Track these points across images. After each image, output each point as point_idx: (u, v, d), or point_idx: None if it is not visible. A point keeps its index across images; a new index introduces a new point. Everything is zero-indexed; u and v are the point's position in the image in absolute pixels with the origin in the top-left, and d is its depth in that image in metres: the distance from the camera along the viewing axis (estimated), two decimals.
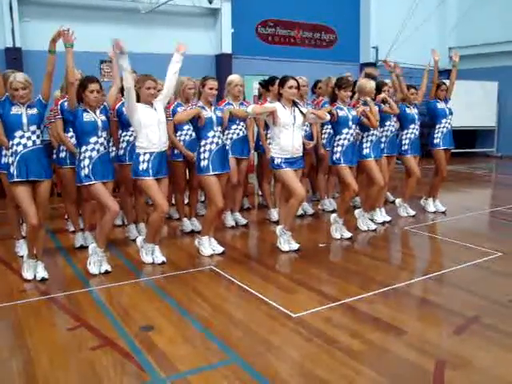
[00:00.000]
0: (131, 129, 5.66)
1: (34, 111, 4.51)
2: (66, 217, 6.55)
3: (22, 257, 5.21)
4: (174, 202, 7.05)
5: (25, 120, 4.42)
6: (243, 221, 6.55)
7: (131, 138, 5.68)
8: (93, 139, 4.64)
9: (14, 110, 4.41)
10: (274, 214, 6.75)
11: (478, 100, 13.58)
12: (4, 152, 4.85)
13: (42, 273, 4.63)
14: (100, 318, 3.79)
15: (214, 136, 5.12)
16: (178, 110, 5.87)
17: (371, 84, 6.04)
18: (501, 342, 3.38)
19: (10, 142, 4.43)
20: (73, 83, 4.63)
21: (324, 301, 4.07)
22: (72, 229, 6.01)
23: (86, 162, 4.63)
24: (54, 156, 6.30)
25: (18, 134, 4.40)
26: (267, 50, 12.64)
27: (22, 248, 5.31)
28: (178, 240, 6.01)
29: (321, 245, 5.71)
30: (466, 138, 13.91)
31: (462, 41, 15.14)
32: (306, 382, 2.93)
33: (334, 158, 5.76)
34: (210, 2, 11.26)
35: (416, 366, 3.08)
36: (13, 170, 4.37)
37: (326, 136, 7.09)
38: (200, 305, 4.05)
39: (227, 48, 11.82)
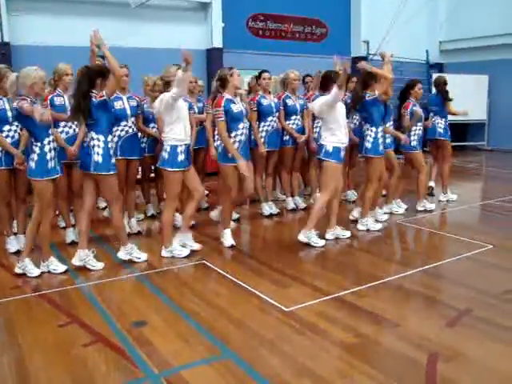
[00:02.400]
0: (122, 123, 5.64)
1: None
2: (57, 213, 6.50)
3: (13, 253, 5.18)
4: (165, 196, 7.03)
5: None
6: (235, 215, 6.53)
7: (122, 133, 5.65)
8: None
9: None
10: (266, 207, 6.75)
11: (468, 93, 13.58)
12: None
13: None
14: (92, 314, 3.77)
15: (243, 128, 5.26)
16: None
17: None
18: (493, 335, 3.40)
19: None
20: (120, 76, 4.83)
21: (317, 295, 4.07)
22: (63, 225, 5.97)
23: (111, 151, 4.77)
24: None
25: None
26: (258, 44, 12.58)
27: (12, 244, 5.27)
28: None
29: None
30: (456, 131, 13.95)
31: (452, 34, 15.16)
32: (299, 375, 2.93)
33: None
34: None
35: (409, 358, 3.09)
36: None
37: (317, 130, 7.05)
38: (192, 300, 4.04)
39: (218, 42, 11.76)
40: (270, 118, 6.49)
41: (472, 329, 3.49)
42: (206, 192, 7.77)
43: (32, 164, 4.45)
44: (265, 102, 6.48)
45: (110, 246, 5.51)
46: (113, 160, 4.74)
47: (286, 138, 6.78)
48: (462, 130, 14.84)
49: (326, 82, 5.62)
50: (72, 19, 10.09)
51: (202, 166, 6.88)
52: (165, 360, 3.10)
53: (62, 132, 5.29)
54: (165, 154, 4.95)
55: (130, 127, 5.73)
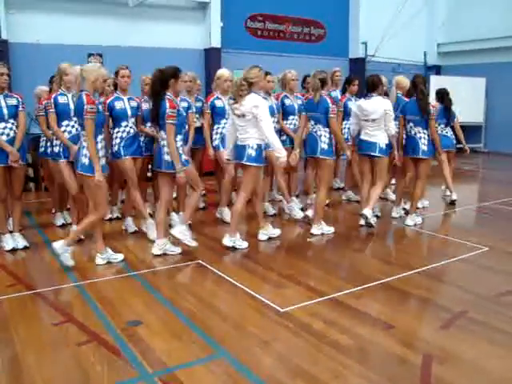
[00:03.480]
0: (123, 124, 5.63)
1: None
2: (53, 211, 6.50)
3: (8, 251, 5.17)
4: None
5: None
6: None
7: (124, 134, 5.64)
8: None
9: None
10: (269, 208, 6.77)
11: (465, 96, 13.61)
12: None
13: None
14: (87, 313, 3.76)
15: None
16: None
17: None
18: (487, 337, 3.41)
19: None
20: None
21: (312, 295, 4.07)
22: (59, 223, 5.97)
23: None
24: (42, 149, 6.27)
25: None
26: (256, 45, 12.59)
27: (7, 242, 5.25)
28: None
29: (309, 239, 5.71)
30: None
31: (450, 37, 15.21)
32: (294, 376, 2.93)
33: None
34: None
35: (403, 360, 3.10)
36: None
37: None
38: (188, 299, 4.03)
39: (216, 42, 11.77)
40: (271, 119, 6.41)
41: (467, 331, 3.50)
42: (203, 192, 7.77)
43: (85, 160, 4.53)
44: (267, 103, 6.44)
45: (106, 244, 5.49)
46: (183, 157, 4.93)
47: (283, 138, 6.77)
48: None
49: (373, 86, 5.92)
50: (70, 18, 10.10)
51: (199, 166, 6.87)
52: (159, 359, 3.09)
53: (64, 131, 5.29)
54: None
55: (130, 127, 5.72)
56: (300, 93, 7.36)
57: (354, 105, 6.27)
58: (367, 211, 5.87)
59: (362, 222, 6.06)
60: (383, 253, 5.54)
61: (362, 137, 6.03)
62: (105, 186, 4.64)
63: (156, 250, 5.09)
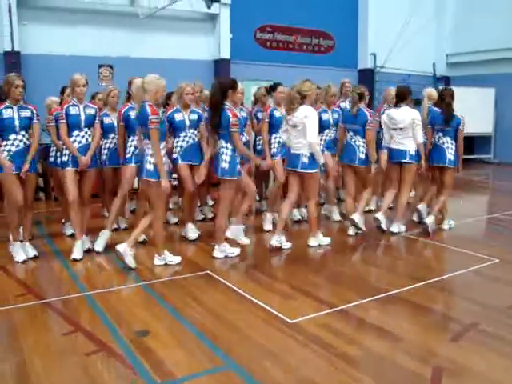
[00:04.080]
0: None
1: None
2: (63, 221, 6.53)
3: (18, 262, 5.18)
4: (170, 206, 7.05)
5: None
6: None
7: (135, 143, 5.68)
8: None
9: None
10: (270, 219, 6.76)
11: (474, 107, 13.57)
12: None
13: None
14: (95, 323, 3.76)
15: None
16: (174, 116, 5.87)
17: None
18: (498, 349, 3.37)
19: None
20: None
21: (321, 307, 4.05)
22: (68, 233, 5.99)
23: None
24: (52, 159, 6.32)
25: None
26: (265, 56, 12.66)
27: (18, 253, 5.26)
28: (174, 244, 5.98)
29: (318, 251, 5.70)
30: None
31: (459, 47, 15.20)
32: None
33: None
34: (209, 7, 11.26)
35: (413, 372, 3.07)
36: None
37: (326, 139, 6.99)
38: (196, 310, 4.03)
39: (225, 53, 11.84)
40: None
41: (477, 343, 3.46)
42: (211, 202, 7.79)
43: (150, 167, 4.78)
44: (277, 114, 6.45)
45: (114, 254, 5.51)
46: (238, 166, 5.24)
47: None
48: (468, 143, 14.81)
49: (402, 96, 6.24)
50: (81, 29, 10.22)
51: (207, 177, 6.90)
52: (167, 370, 3.09)
53: (74, 141, 5.31)
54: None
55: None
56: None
57: (384, 115, 6.48)
58: (380, 215, 6.27)
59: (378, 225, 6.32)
60: (392, 264, 5.51)
61: (392, 145, 6.27)
62: (167, 190, 4.89)
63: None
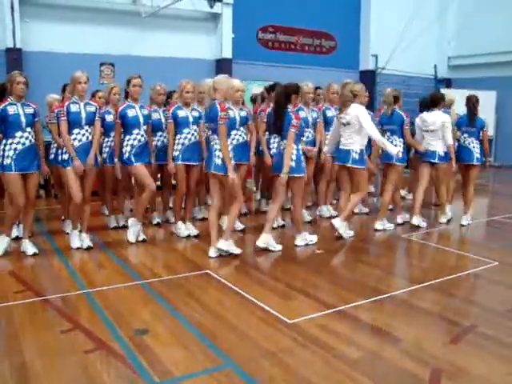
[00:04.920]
0: (135, 132, 5.69)
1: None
2: (63, 218, 6.53)
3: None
4: (171, 205, 7.05)
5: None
6: (240, 226, 6.53)
7: (135, 142, 5.69)
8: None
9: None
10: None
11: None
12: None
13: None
14: (95, 321, 3.76)
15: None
16: (177, 113, 5.88)
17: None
18: (497, 352, 3.37)
19: None
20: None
21: (320, 307, 4.05)
22: (68, 230, 5.99)
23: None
24: (52, 156, 6.32)
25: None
26: (267, 56, 12.67)
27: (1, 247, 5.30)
28: (173, 244, 5.99)
29: (317, 251, 5.70)
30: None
31: (460, 50, 15.22)
32: None
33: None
34: (211, 7, 11.28)
35: (411, 374, 3.07)
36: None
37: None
38: (195, 309, 4.03)
39: (227, 53, 11.85)
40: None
41: (476, 346, 3.46)
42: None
43: (218, 161, 5.14)
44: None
45: (114, 252, 5.52)
46: (302, 164, 5.54)
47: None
48: None
49: (435, 102, 6.76)
50: (83, 27, 10.22)
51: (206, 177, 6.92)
52: (166, 369, 3.08)
53: (74, 139, 5.31)
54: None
55: (141, 136, 5.76)
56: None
57: (418, 117, 6.97)
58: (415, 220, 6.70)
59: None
60: (392, 266, 5.51)
61: (424, 146, 6.77)
62: (239, 180, 5.35)
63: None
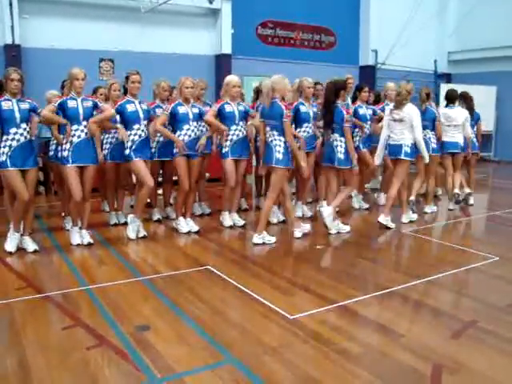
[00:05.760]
0: (135, 127, 5.69)
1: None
2: (63, 214, 6.53)
3: (10, 253, 5.22)
4: (171, 201, 7.05)
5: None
6: (241, 222, 6.53)
7: (136, 137, 5.69)
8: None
9: None
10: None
11: (476, 104, 13.53)
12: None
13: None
14: (96, 317, 3.76)
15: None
16: (177, 109, 5.87)
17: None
18: (498, 347, 3.37)
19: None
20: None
21: (321, 303, 4.05)
22: (68, 227, 5.99)
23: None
24: (52, 153, 6.31)
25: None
26: (267, 51, 12.63)
27: (11, 243, 5.30)
28: (174, 240, 5.99)
29: (318, 247, 5.70)
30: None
31: (461, 45, 15.17)
32: (302, 383, 2.92)
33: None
34: (211, 2, 11.26)
35: (413, 369, 3.07)
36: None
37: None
38: (196, 305, 4.03)
39: (227, 48, 11.81)
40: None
41: (477, 341, 3.46)
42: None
43: (279, 156, 5.46)
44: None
45: (115, 248, 5.52)
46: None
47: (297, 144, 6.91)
48: None
49: (452, 98, 7.38)
50: (82, 23, 10.18)
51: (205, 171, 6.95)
52: (168, 365, 3.09)
53: (73, 135, 5.31)
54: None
55: (142, 131, 5.77)
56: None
57: (441, 113, 7.34)
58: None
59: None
60: (393, 261, 5.51)
61: (445, 139, 7.26)
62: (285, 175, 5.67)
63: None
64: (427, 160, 6.50)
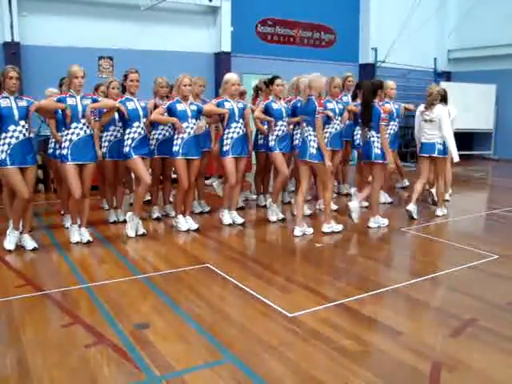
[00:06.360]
0: (135, 125, 5.69)
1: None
2: (62, 212, 6.53)
3: (9, 251, 5.22)
4: (171, 199, 7.05)
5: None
6: (240, 219, 6.53)
7: (135, 135, 5.69)
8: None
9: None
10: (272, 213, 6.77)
11: (475, 103, 13.58)
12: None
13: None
14: (95, 315, 3.76)
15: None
16: (176, 107, 5.87)
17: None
18: (497, 345, 3.37)
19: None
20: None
21: (320, 301, 4.05)
22: (68, 225, 5.99)
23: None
24: (51, 151, 6.31)
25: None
26: (266, 49, 12.61)
27: (10, 241, 5.30)
28: (173, 238, 5.98)
29: (318, 245, 5.70)
30: (463, 140, 13.94)
31: (460, 43, 15.16)
32: (302, 382, 2.91)
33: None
34: (210, 0, 11.23)
35: (412, 367, 3.07)
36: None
37: (332, 131, 7.02)
38: (195, 303, 4.03)
39: (226, 46, 11.79)
40: (280, 123, 6.50)
41: (476, 339, 3.46)
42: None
43: (313, 150, 5.70)
44: (275, 106, 6.48)
45: (114, 246, 5.52)
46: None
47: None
48: (468, 139, 14.83)
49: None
50: (81, 20, 10.17)
51: (204, 169, 6.95)
52: (167, 363, 3.09)
53: (73, 133, 5.30)
54: None
55: (142, 128, 5.77)
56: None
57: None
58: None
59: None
60: (392, 259, 5.51)
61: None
62: (331, 168, 5.93)
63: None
64: (457, 159, 6.81)
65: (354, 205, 6.28)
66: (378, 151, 6.13)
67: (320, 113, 5.67)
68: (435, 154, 6.75)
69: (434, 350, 3.28)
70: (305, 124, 5.83)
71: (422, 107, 6.92)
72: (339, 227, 6.12)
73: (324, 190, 6.08)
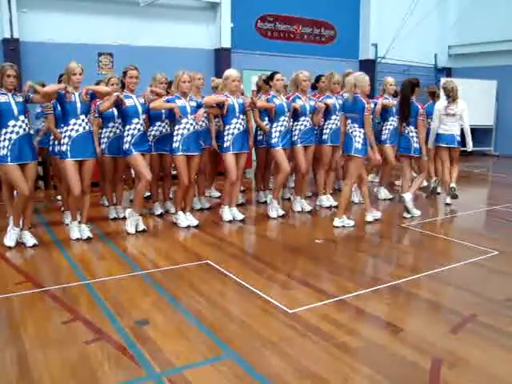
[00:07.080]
0: (134, 121, 5.69)
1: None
2: (62, 209, 6.53)
3: (9, 247, 5.22)
4: (171, 195, 7.04)
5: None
6: (240, 216, 6.52)
7: (135, 132, 5.69)
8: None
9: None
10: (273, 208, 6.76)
11: (476, 99, 13.51)
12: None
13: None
14: (95, 312, 3.77)
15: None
16: (176, 102, 5.86)
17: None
18: (497, 341, 3.38)
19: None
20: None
21: (321, 297, 4.05)
22: (68, 221, 5.99)
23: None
24: (50, 148, 6.31)
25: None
26: (266, 45, 12.59)
27: (11, 238, 5.29)
28: (173, 234, 5.99)
29: (317, 241, 5.70)
30: (463, 136, 13.93)
31: (461, 39, 15.12)
32: (302, 377, 2.91)
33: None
34: None
35: (412, 363, 3.07)
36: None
37: (332, 127, 7.04)
38: (196, 299, 4.03)
39: (226, 42, 11.77)
40: (282, 118, 6.49)
41: (476, 335, 3.47)
42: (217, 194, 7.76)
43: (358, 145, 5.97)
44: (277, 101, 6.48)
45: (114, 243, 5.52)
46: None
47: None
48: None
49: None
50: (81, 17, 10.15)
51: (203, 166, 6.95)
52: (167, 359, 3.09)
53: (72, 130, 5.30)
54: None
55: (141, 125, 5.77)
56: (312, 94, 7.33)
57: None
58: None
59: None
60: (392, 255, 5.51)
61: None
62: (378, 162, 6.33)
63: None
64: (471, 147, 7.43)
65: (409, 197, 6.64)
66: (417, 146, 6.64)
67: (324, 105, 5.94)
68: (455, 145, 7.35)
69: (434, 346, 3.28)
70: (350, 121, 6.05)
71: (444, 102, 7.35)
72: (351, 222, 6.26)
73: (361, 184, 6.49)
